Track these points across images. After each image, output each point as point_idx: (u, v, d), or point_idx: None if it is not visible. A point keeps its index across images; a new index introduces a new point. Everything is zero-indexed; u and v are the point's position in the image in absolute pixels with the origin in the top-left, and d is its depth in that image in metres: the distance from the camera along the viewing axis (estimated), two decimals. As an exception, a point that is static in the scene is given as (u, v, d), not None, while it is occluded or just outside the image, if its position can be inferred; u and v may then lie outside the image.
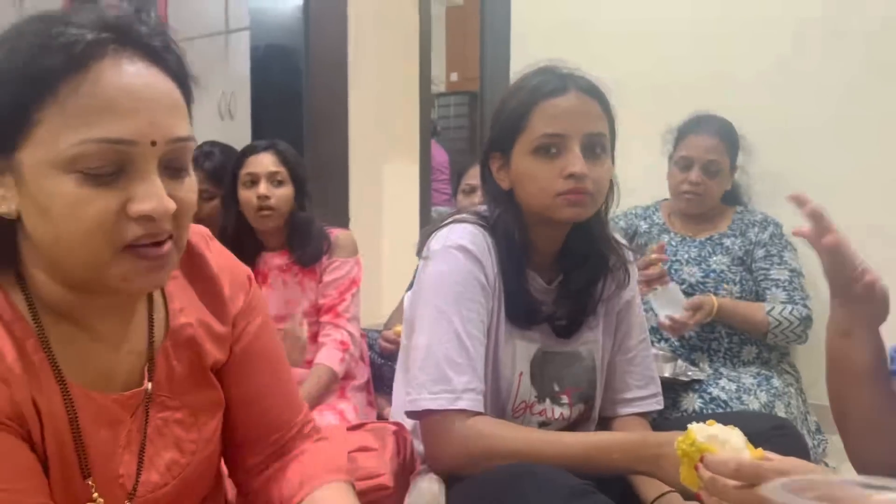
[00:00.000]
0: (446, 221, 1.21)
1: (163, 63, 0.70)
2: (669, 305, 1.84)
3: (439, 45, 5.55)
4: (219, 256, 0.88)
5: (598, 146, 1.14)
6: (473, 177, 2.32)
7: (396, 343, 2.16)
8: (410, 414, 1.13)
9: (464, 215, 1.21)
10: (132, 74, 0.66)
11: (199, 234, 0.86)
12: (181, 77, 0.72)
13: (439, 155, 4.52)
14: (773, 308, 1.93)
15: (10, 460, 0.69)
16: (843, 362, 0.98)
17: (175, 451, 0.81)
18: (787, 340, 1.95)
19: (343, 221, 2.20)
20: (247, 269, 0.93)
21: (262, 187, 1.91)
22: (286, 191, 1.94)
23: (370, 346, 2.25)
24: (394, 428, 1.14)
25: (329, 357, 1.94)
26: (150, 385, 0.78)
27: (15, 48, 0.65)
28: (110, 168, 0.65)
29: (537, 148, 1.14)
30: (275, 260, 2.02)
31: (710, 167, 2.03)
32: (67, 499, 0.74)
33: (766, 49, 2.30)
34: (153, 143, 0.66)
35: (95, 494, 0.75)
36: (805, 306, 1.94)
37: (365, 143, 3.25)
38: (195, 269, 0.84)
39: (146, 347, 0.79)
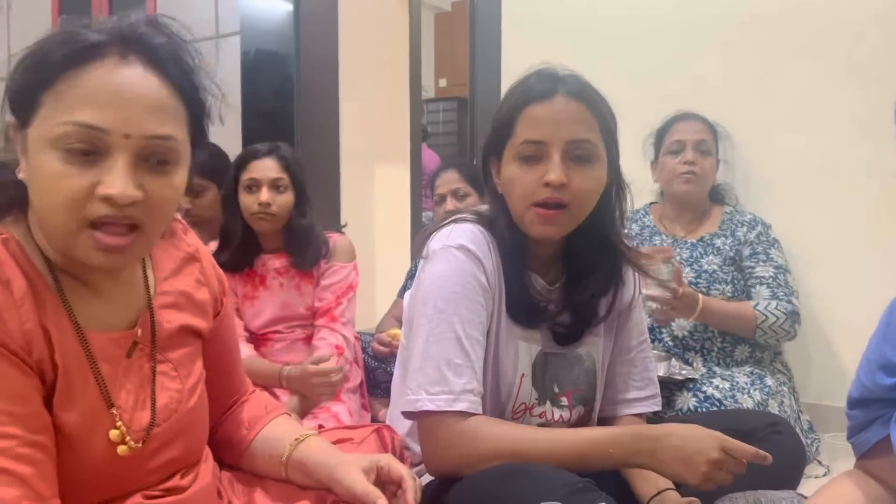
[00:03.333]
0: (447, 220, 1.20)
1: (162, 69, 0.79)
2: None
3: (428, 52, 5.56)
4: (198, 242, 1.02)
5: (583, 153, 1.10)
6: (443, 185, 2.32)
7: (390, 346, 2.17)
8: (408, 414, 1.13)
9: (465, 214, 1.20)
10: (123, 75, 0.76)
11: (182, 225, 1.00)
12: (184, 85, 0.81)
13: (431, 160, 4.53)
14: (757, 304, 1.94)
15: (11, 386, 0.74)
16: None
17: (166, 396, 0.90)
18: (776, 337, 1.95)
19: (335, 226, 2.19)
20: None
21: (265, 194, 1.91)
22: (287, 197, 1.94)
23: (363, 349, 2.25)
24: (374, 427, 1.13)
25: None
26: (139, 331, 0.88)
27: (41, 43, 0.77)
28: (85, 149, 0.74)
29: (519, 154, 1.12)
30: (273, 262, 2.02)
31: (701, 146, 2.09)
32: (89, 426, 0.81)
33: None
34: (126, 136, 0.75)
35: (119, 423, 0.83)
36: (790, 301, 1.96)
37: (356, 148, 3.26)
38: (181, 244, 0.98)
39: (141, 305, 0.90)
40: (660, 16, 2.46)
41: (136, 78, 0.76)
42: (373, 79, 3.32)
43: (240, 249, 1.97)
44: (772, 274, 2.00)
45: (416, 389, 1.09)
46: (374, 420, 2.11)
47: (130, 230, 0.78)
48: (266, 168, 1.93)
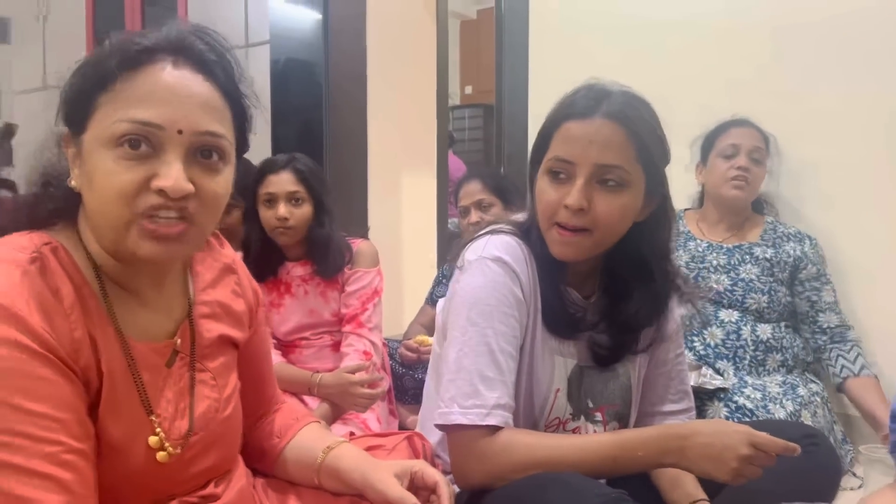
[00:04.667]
0: (483, 231, 1.18)
1: (210, 73, 0.82)
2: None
3: (453, 59, 5.59)
4: (234, 254, 1.05)
5: (612, 179, 1.06)
6: (466, 197, 2.31)
7: (418, 352, 2.17)
8: (439, 426, 1.12)
9: (501, 225, 1.19)
10: (175, 76, 0.80)
11: (219, 237, 1.03)
12: (229, 89, 0.84)
13: (456, 166, 4.54)
14: (860, 369, 1.99)
15: (59, 393, 0.75)
16: None
17: (204, 405, 0.92)
18: None
19: (362, 232, 2.21)
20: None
21: (282, 209, 1.93)
22: (304, 210, 1.95)
23: (391, 356, 2.26)
24: (405, 434, 1.13)
25: None
26: (178, 341, 0.90)
27: (96, 51, 0.81)
28: (138, 145, 0.77)
29: (549, 170, 1.11)
30: (297, 270, 2.04)
31: (755, 154, 2.07)
32: (131, 433, 0.83)
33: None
34: (179, 132, 0.78)
35: (158, 430, 0.85)
36: (850, 324, 2.04)
37: (384, 155, 3.28)
38: (219, 256, 1.01)
39: (181, 315, 0.92)
40: (689, 21, 2.45)
41: (188, 79, 0.80)
42: (400, 86, 3.34)
43: (263, 258, 1.99)
44: (834, 298, 2.05)
45: (448, 402, 1.08)
46: (401, 427, 2.11)
47: (181, 222, 0.80)
48: (282, 182, 1.94)
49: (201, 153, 0.81)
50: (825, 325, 2.04)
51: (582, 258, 1.13)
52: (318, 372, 1.95)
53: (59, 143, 0.85)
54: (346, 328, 2.01)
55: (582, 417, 1.19)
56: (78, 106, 0.80)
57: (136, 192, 0.77)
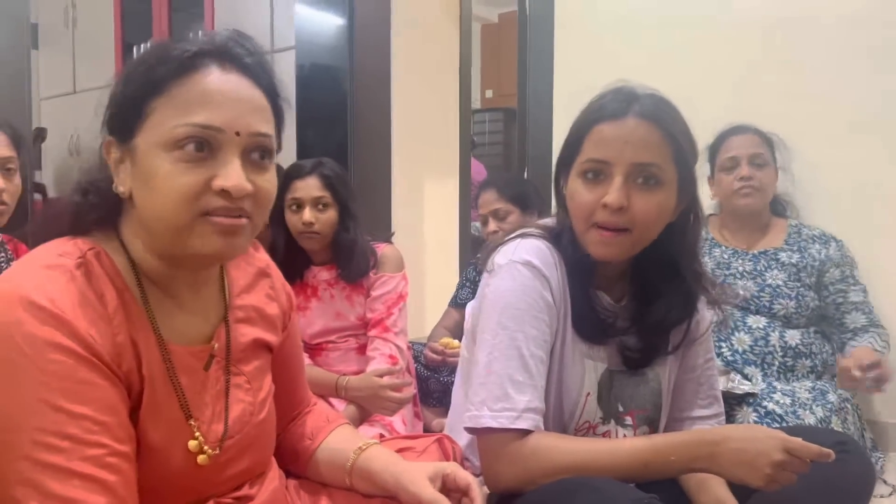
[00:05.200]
0: (513, 235, 1.19)
1: (253, 76, 0.85)
2: None
3: (475, 63, 5.59)
4: (268, 258, 1.07)
5: (648, 177, 1.08)
6: (483, 206, 2.31)
7: (443, 354, 2.18)
8: (469, 430, 1.12)
9: (530, 229, 1.19)
10: (225, 79, 0.82)
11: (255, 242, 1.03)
12: (270, 91, 0.87)
13: (477, 171, 4.54)
14: (871, 344, 1.92)
15: (102, 397, 0.76)
16: None
17: (239, 409, 0.93)
18: None
19: (386, 236, 2.22)
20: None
21: (307, 214, 1.94)
22: (330, 215, 1.97)
23: (415, 359, 2.27)
24: (435, 436, 1.13)
25: None
26: (215, 345, 0.91)
27: (140, 62, 0.83)
28: (201, 148, 0.79)
29: (583, 172, 1.11)
30: (322, 274, 2.05)
31: (756, 160, 2.05)
32: (170, 436, 0.84)
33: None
34: (237, 134, 0.81)
35: (198, 433, 0.87)
36: (882, 325, 1.98)
37: (407, 159, 3.29)
38: (253, 260, 1.02)
39: (217, 319, 0.94)
40: (715, 25, 2.44)
41: (236, 82, 0.83)
42: (423, 91, 3.36)
43: (289, 262, 2.00)
44: (863, 299, 2.00)
45: (478, 405, 1.09)
46: (426, 429, 2.12)
47: (240, 218, 0.83)
48: (309, 187, 1.96)
49: (253, 153, 0.83)
50: (851, 325, 1.99)
51: (622, 258, 1.13)
52: (344, 375, 1.96)
53: (99, 150, 0.87)
54: (372, 332, 2.02)
55: (612, 421, 1.19)
56: (127, 113, 0.82)
57: (199, 193, 0.79)
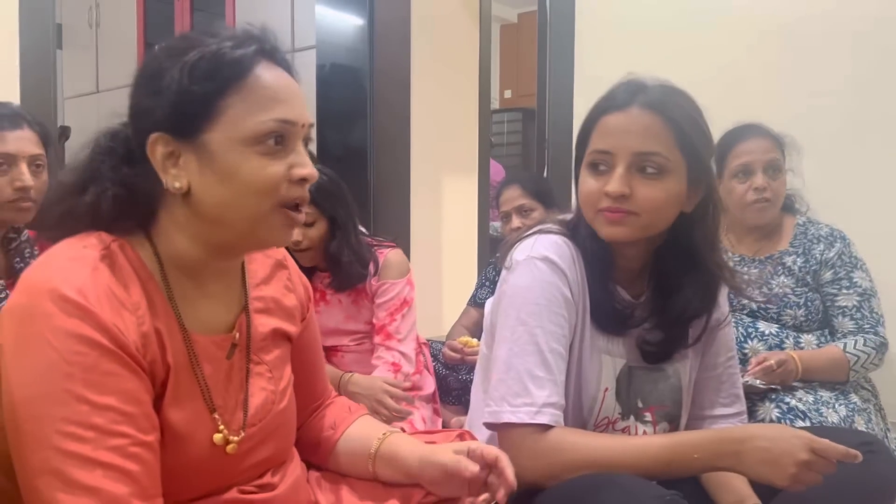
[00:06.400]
0: (531, 231, 1.19)
1: (290, 69, 0.89)
2: None
3: (494, 63, 5.58)
4: (284, 250, 1.10)
5: (651, 166, 1.08)
6: (506, 203, 2.30)
7: (462, 352, 2.18)
8: (489, 425, 1.13)
9: (548, 225, 1.20)
10: (280, 74, 0.86)
11: None
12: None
13: (496, 171, 4.54)
14: (846, 344, 1.81)
15: (126, 387, 0.77)
16: None
17: (261, 398, 0.94)
18: (867, 372, 1.84)
19: (405, 236, 2.22)
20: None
21: (295, 232, 1.91)
22: (318, 229, 1.92)
23: (434, 357, 2.27)
24: (456, 431, 1.14)
25: None
26: (237, 334, 0.93)
27: (202, 60, 0.82)
28: (279, 141, 0.84)
29: (589, 163, 1.12)
30: (326, 280, 2.04)
31: (772, 166, 1.89)
32: (193, 424, 0.86)
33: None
34: (303, 126, 0.86)
35: (222, 426, 0.88)
36: (876, 333, 1.83)
37: (426, 159, 3.30)
38: (270, 252, 1.04)
39: (238, 309, 0.95)
40: (733, 25, 2.42)
41: (287, 77, 0.88)
42: (443, 91, 3.36)
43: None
44: (855, 303, 1.85)
45: (498, 401, 1.09)
46: (445, 427, 2.12)
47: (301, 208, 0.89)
48: None
49: (305, 141, 0.89)
50: (839, 330, 1.87)
51: (632, 239, 1.12)
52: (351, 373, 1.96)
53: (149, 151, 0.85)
54: (377, 340, 2.01)
55: (631, 417, 1.19)
56: (198, 111, 0.82)
57: (280, 183, 0.84)
